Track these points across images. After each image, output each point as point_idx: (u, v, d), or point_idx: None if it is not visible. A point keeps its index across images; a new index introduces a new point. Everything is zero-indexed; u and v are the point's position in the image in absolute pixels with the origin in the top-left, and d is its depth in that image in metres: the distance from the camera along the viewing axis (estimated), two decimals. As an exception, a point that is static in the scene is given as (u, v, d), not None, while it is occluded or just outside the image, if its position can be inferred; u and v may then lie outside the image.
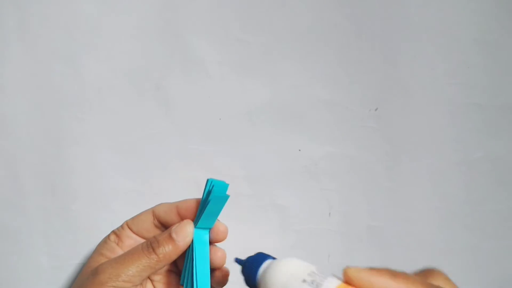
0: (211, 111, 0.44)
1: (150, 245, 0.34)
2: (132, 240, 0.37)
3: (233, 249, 0.45)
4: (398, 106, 0.45)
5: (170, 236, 0.34)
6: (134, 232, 0.37)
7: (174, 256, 0.34)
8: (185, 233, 0.34)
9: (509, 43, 0.45)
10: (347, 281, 0.29)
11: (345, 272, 0.29)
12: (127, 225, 0.37)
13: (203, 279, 0.34)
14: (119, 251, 0.36)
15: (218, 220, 0.36)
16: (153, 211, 0.37)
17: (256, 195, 0.45)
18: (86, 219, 0.43)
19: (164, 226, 0.36)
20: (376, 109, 0.44)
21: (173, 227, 0.35)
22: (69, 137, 0.43)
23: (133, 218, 0.37)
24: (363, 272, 0.28)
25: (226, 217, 0.44)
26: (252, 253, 0.38)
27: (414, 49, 0.44)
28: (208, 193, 0.34)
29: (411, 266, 0.45)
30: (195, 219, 0.35)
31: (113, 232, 0.37)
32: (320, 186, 0.45)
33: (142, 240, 0.36)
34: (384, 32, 0.44)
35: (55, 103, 0.43)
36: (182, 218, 0.36)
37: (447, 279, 0.31)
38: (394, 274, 0.28)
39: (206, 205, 0.34)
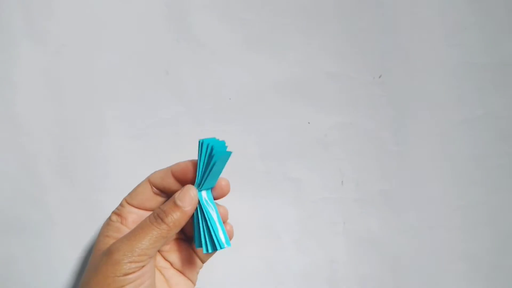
0: (220, 92, 0.44)
1: (158, 216, 0.34)
2: (134, 215, 0.37)
3: (251, 223, 0.46)
4: (401, 71, 0.45)
5: (175, 204, 0.35)
6: (135, 207, 0.37)
7: (183, 222, 0.35)
8: (190, 198, 0.35)
9: (505, 2, 0.45)
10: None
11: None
12: (126, 201, 0.37)
13: (223, 234, 0.36)
14: (125, 229, 0.36)
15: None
16: (149, 181, 0.37)
17: (270, 170, 0.46)
18: (107, 208, 0.43)
19: (164, 192, 0.37)
20: (380, 76, 0.45)
21: (176, 195, 0.35)
22: (85, 129, 0.43)
23: (130, 194, 0.37)
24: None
25: (242, 194, 0.45)
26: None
27: (412, 15, 0.45)
28: (208, 155, 0.35)
29: (424, 224, 0.47)
30: (196, 181, 0.35)
31: (114, 212, 0.37)
32: (331, 156, 0.46)
33: (146, 213, 0.37)
34: (383, 1, 0.45)
35: (68, 96, 0.43)
36: (178, 181, 0.36)
37: None
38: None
39: (211, 166, 0.34)
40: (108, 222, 0.37)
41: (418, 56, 0.45)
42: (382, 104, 0.46)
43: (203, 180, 0.35)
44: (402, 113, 0.46)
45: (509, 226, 0.48)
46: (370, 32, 0.45)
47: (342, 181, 0.47)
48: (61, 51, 0.42)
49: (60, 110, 0.43)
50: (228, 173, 0.46)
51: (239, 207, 0.44)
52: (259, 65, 0.45)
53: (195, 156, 0.45)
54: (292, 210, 0.47)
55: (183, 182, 0.36)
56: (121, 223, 0.36)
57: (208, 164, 0.35)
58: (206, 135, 0.44)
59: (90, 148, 0.43)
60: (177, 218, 0.34)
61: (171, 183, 0.36)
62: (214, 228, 0.35)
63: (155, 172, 0.37)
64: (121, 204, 0.37)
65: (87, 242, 0.44)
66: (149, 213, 0.37)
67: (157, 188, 0.37)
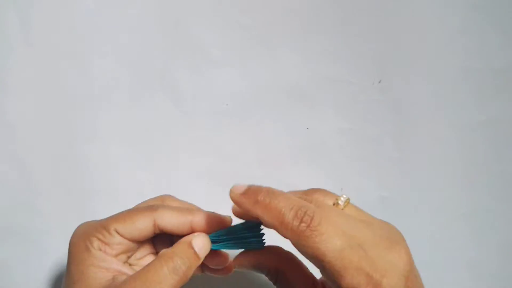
0: (217, 97, 0.44)
1: (178, 270, 0.30)
2: (123, 246, 0.33)
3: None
4: (401, 76, 0.45)
5: (197, 256, 0.31)
6: (126, 238, 0.33)
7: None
8: (207, 249, 0.32)
9: (505, 7, 0.45)
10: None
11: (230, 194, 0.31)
12: (116, 231, 0.32)
13: None
14: (111, 261, 0.32)
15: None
16: (154, 221, 0.32)
17: (267, 176, 0.46)
18: (103, 215, 0.43)
19: (168, 233, 0.33)
20: (379, 81, 0.45)
21: (197, 247, 0.31)
22: (80, 135, 0.43)
23: (124, 223, 0.32)
24: (239, 198, 0.30)
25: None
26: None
27: (412, 19, 0.45)
28: (245, 234, 0.33)
29: (425, 232, 0.47)
30: (213, 235, 0.33)
31: (98, 239, 0.32)
32: (330, 162, 0.46)
33: (135, 245, 0.34)
34: (381, 4, 0.44)
35: (63, 102, 0.43)
36: (195, 229, 0.33)
37: (328, 194, 0.33)
38: (256, 199, 0.30)
39: (237, 244, 0.33)
40: (87, 247, 0.32)
41: (418, 61, 0.45)
42: (381, 109, 0.45)
43: (219, 243, 0.33)
44: (402, 118, 0.46)
45: (512, 234, 0.48)
46: (369, 36, 0.45)
47: (341, 188, 0.46)
48: (56, 55, 0.42)
49: (54, 115, 0.43)
50: (224, 179, 0.45)
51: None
52: (257, 70, 0.44)
53: (192, 163, 0.45)
54: (291, 217, 0.46)
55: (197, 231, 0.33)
56: (105, 252, 0.32)
57: (237, 239, 0.33)
58: (202, 140, 0.44)
59: (85, 155, 0.43)
60: (194, 267, 0.31)
61: (185, 231, 0.33)
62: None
63: (163, 210, 0.33)
64: (107, 231, 0.32)
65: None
66: (138, 244, 0.34)
67: (162, 230, 0.33)
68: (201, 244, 0.31)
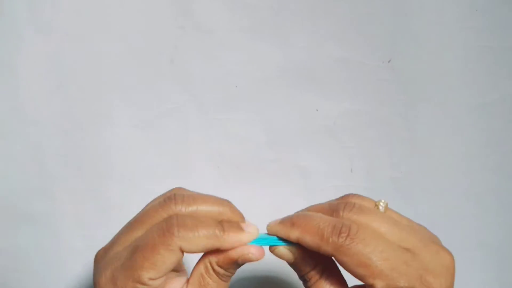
0: (226, 80, 0.44)
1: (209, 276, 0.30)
2: (162, 281, 0.29)
3: (259, 213, 0.46)
4: (411, 55, 0.44)
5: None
6: (162, 277, 0.29)
7: None
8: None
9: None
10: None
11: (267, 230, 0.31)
12: (151, 279, 0.28)
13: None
14: None
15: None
16: (180, 248, 0.28)
17: (278, 158, 0.46)
18: (116, 198, 0.44)
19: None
20: (389, 61, 0.44)
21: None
22: (91, 119, 0.43)
23: (155, 268, 0.28)
24: (272, 228, 0.31)
25: (251, 184, 0.45)
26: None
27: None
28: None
29: (436, 212, 0.46)
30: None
31: None
32: (340, 143, 0.46)
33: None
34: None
35: (74, 87, 0.43)
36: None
37: (360, 197, 0.32)
38: (293, 222, 0.30)
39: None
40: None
41: (428, 39, 0.44)
42: (391, 89, 0.45)
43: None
44: (413, 98, 0.45)
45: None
46: (378, 15, 0.44)
47: (351, 169, 0.46)
48: (65, 40, 0.42)
49: (65, 99, 0.43)
50: (235, 162, 0.46)
51: (247, 196, 0.43)
52: (266, 52, 0.44)
53: (203, 146, 0.45)
54: (301, 199, 0.46)
55: None
56: None
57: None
58: (213, 123, 0.44)
59: (96, 138, 0.43)
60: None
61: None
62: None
63: (187, 235, 0.28)
64: (142, 283, 0.28)
65: (96, 232, 0.44)
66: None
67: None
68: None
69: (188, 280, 0.31)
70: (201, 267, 0.30)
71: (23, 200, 0.44)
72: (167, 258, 0.28)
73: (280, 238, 0.31)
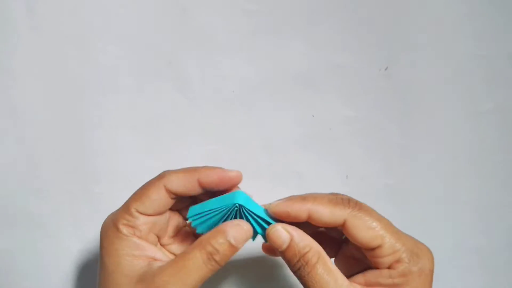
0: (224, 84, 0.44)
1: (212, 257, 0.31)
2: (149, 224, 0.33)
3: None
4: (407, 64, 0.45)
5: (232, 245, 0.31)
6: (148, 215, 0.33)
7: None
8: (246, 236, 0.32)
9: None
10: (275, 216, 0.32)
11: (269, 209, 0.33)
12: (137, 211, 0.33)
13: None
14: (144, 248, 0.33)
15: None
16: (164, 187, 0.33)
17: (274, 163, 0.46)
18: (111, 200, 0.43)
19: (183, 196, 0.34)
20: (386, 69, 0.45)
21: (231, 233, 0.31)
22: (87, 120, 0.43)
23: (141, 201, 0.33)
24: (280, 204, 0.32)
25: (247, 189, 0.45)
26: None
27: (419, 6, 0.44)
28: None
29: (430, 219, 0.47)
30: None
31: (123, 224, 0.33)
32: (336, 149, 0.46)
33: (159, 218, 0.34)
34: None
35: (70, 88, 0.43)
36: (205, 188, 0.33)
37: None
38: (303, 197, 0.33)
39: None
40: (120, 236, 0.32)
41: (425, 48, 0.45)
42: (388, 97, 0.45)
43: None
44: (409, 106, 0.45)
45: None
46: (376, 23, 0.44)
47: (347, 175, 0.46)
48: (62, 42, 0.42)
49: (61, 100, 0.43)
50: (231, 167, 0.46)
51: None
52: (263, 57, 0.44)
53: (199, 149, 0.45)
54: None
55: (212, 189, 0.34)
56: (137, 236, 0.33)
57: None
58: (209, 127, 0.44)
59: (92, 140, 0.44)
60: (230, 256, 0.31)
61: (197, 190, 0.33)
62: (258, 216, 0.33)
63: (169, 175, 0.33)
64: (130, 214, 0.33)
65: (91, 233, 0.45)
66: (162, 217, 0.34)
67: (176, 195, 0.34)
68: (237, 236, 0.31)
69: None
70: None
71: (18, 201, 0.44)
72: (152, 193, 0.33)
73: (271, 217, 0.32)
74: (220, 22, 0.43)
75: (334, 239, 0.37)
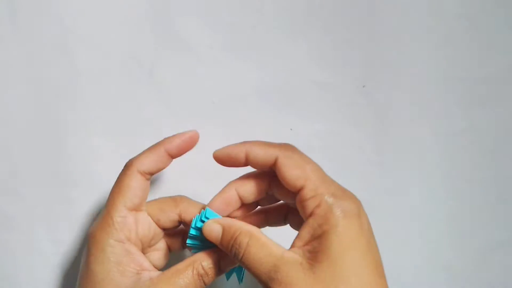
0: (204, 95, 0.45)
1: (202, 279, 0.33)
2: (136, 227, 0.35)
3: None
4: (385, 82, 0.46)
5: (220, 270, 0.33)
6: (136, 211, 0.35)
7: None
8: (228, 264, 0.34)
9: (489, 18, 0.46)
10: (218, 162, 0.35)
11: (213, 155, 0.35)
12: (125, 206, 0.34)
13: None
14: (135, 252, 0.34)
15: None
16: (138, 171, 0.35)
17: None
18: (86, 205, 0.44)
19: (157, 173, 0.36)
20: (363, 86, 0.46)
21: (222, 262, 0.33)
22: (65, 126, 0.44)
23: (123, 194, 0.34)
24: (221, 149, 0.35)
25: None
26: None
27: (398, 27, 0.45)
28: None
29: (404, 235, 0.47)
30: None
31: (115, 228, 0.33)
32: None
33: (143, 223, 0.35)
34: (368, 10, 0.45)
35: (50, 93, 0.44)
36: (172, 155, 0.36)
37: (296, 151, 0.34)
38: (245, 142, 0.34)
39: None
40: (110, 243, 0.33)
41: (402, 68, 0.46)
42: (365, 113, 0.46)
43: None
44: (384, 123, 0.46)
45: (490, 240, 0.48)
46: (355, 42, 0.45)
47: (322, 189, 0.47)
48: (43, 47, 0.43)
49: (39, 104, 0.43)
50: (210, 178, 0.46)
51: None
52: (244, 70, 0.45)
53: (177, 158, 0.46)
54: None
55: (179, 154, 0.36)
56: (128, 240, 0.34)
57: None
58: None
59: (70, 145, 0.44)
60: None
61: (166, 162, 0.35)
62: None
63: (137, 159, 0.35)
64: (118, 212, 0.34)
65: (66, 237, 0.45)
66: (145, 221, 0.36)
67: (151, 174, 0.35)
68: (227, 262, 0.34)
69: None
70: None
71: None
72: (130, 181, 0.34)
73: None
74: (201, 34, 0.44)
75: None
